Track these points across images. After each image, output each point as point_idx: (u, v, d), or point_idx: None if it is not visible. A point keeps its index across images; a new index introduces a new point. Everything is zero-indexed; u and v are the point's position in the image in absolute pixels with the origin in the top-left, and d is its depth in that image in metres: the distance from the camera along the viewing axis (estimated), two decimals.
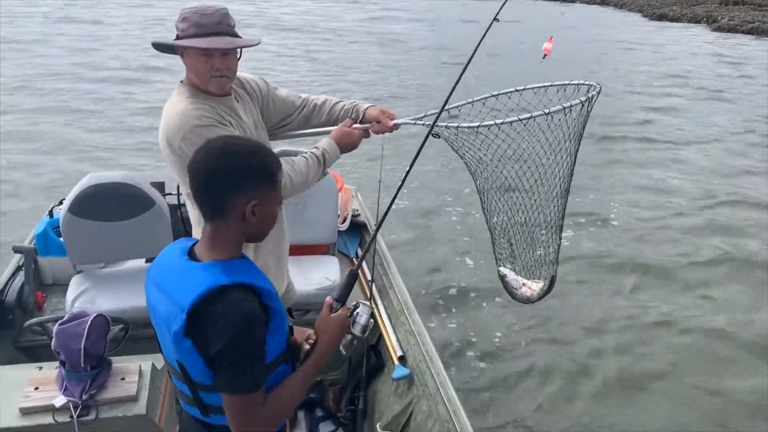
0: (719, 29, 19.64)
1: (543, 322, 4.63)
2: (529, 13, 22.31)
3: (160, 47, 2.15)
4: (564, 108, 1.85)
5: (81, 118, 9.34)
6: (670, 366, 4.28)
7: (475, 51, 2.24)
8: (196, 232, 2.18)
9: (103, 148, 7.98)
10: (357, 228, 4.00)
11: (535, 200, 2.09)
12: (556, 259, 2.15)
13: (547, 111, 1.84)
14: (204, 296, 1.35)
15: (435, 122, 2.05)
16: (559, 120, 1.87)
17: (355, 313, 1.67)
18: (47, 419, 2.03)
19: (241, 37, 2.10)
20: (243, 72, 2.34)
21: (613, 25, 20.25)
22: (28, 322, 2.59)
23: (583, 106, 1.88)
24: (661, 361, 4.34)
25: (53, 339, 2.11)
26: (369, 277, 3.25)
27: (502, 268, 2.29)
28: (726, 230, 6.48)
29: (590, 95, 1.92)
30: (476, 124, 1.92)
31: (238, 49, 2.10)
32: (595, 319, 4.78)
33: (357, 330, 1.66)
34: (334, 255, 3.59)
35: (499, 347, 4.35)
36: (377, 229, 2.00)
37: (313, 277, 3.21)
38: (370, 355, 3.01)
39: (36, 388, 2.13)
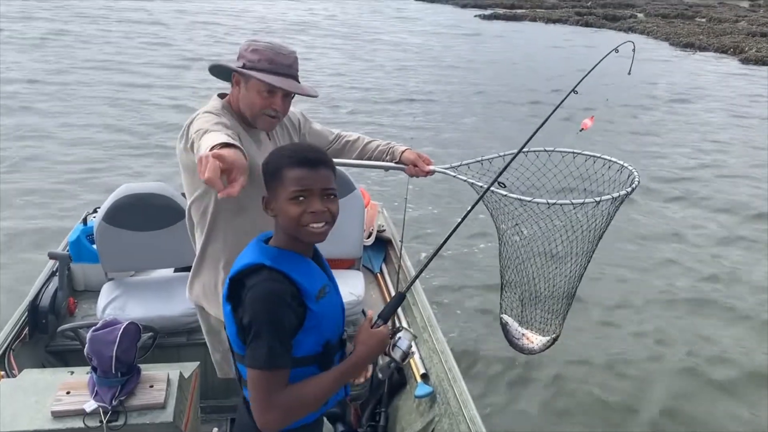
0: (746, 60, 19.50)
1: (570, 347, 4.59)
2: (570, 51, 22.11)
3: (218, 70, 2.12)
4: (613, 198, 1.92)
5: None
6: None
7: (545, 120, 2.25)
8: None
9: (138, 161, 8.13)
10: (382, 243, 4.02)
11: (554, 263, 2.12)
12: (563, 319, 2.17)
13: (597, 200, 1.91)
14: (244, 269, 1.49)
15: (487, 189, 2.05)
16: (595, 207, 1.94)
17: (396, 337, 1.68)
18: (78, 423, 2.07)
19: (301, 84, 2.10)
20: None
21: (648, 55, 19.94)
22: (61, 327, 2.65)
23: (628, 195, 1.96)
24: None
25: (86, 345, 2.15)
26: (393, 293, 3.27)
27: (504, 316, 2.30)
28: None
29: (631, 188, 1.97)
30: (528, 198, 1.95)
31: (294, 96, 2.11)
32: (622, 345, 4.73)
33: (397, 355, 1.68)
34: (359, 270, 3.61)
35: (525, 368, 4.32)
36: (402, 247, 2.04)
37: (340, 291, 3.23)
38: (393, 372, 3.02)
39: (68, 393, 2.16)
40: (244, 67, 2.02)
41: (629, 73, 2.95)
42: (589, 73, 2.36)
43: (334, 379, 1.56)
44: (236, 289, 1.50)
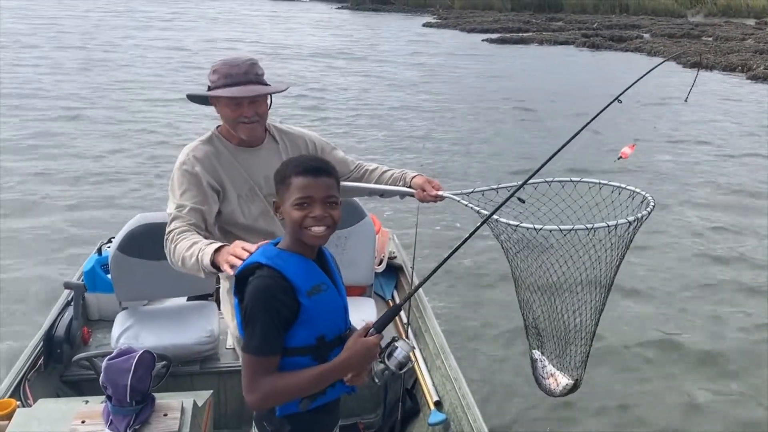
0: (754, 78, 19.52)
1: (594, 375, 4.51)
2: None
3: (195, 99, 2.33)
4: (630, 223, 1.89)
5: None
6: None
7: (578, 133, 2.15)
8: None
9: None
10: (393, 270, 4.03)
11: (572, 299, 2.07)
12: (585, 363, 2.12)
13: (613, 223, 1.87)
14: (247, 267, 1.70)
15: (491, 214, 1.99)
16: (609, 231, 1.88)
17: (392, 346, 1.72)
18: None
19: (269, 85, 2.25)
20: (309, 130, 2.53)
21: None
22: (76, 357, 2.67)
23: (631, 225, 1.91)
24: None
25: (101, 374, 2.16)
26: (405, 320, 3.27)
27: (535, 352, 2.24)
28: None
29: (642, 215, 1.92)
30: (539, 226, 1.89)
31: (269, 96, 2.26)
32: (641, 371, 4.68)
33: (392, 364, 1.71)
34: (370, 297, 3.62)
35: (542, 396, 4.25)
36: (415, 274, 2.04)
37: (350, 318, 3.23)
38: (406, 399, 3.01)
39: (83, 422, 2.17)
40: (209, 89, 2.21)
41: (686, 100, 2.83)
42: (633, 84, 2.28)
43: (316, 376, 1.69)
44: (241, 284, 1.69)
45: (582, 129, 2.15)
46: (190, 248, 2.05)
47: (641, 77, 2.31)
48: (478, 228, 1.98)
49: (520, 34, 31.00)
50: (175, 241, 2.13)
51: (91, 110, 12.48)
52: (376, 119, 12.89)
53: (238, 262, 1.77)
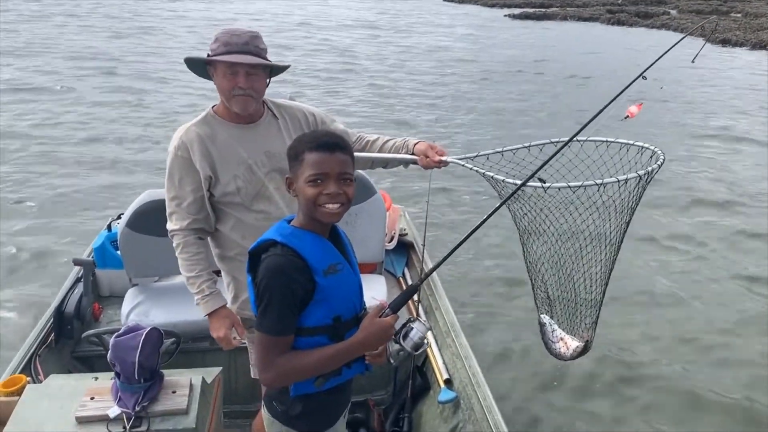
0: None
1: (598, 347, 4.48)
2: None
3: (192, 63, 2.26)
4: (640, 177, 1.82)
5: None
6: None
7: (604, 107, 2.11)
8: None
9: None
10: (404, 247, 3.99)
11: (581, 259, 2.02)
12: (595, 324, 2.07)
13: (623, 178, 1.81)
14: (260, 244, 1.65)
15: (519, 186, 1.91)
16: (619, 187, 1.83)
17: (408, 326, 1.70)
18: (101, 429, 2.08)
19: (268, 60, 2.20)
20: (306, 103, 2.47)
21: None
22: (86, 333, 2.68)
23: (641, 179, 1.85)
24: None
25: (109, 351, 2.16)
26: (416, 298, 3.23)
27: (543, 317, 2.20)
28: None
29: (652, 168, 1.85)
30: (547, 184, 1.84)
31: (268, 72, 2.22)
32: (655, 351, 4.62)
33: (408, 345, 1.69)
34: (381, 274, 3.59)
35: (550, 373, 4.24)
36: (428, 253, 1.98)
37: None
38: (416, 377, 2.99)
39: (92, 398, 2.18)
40: (208, 56, 2.16)
41: (693, 61, 2.91)
42: (659, 58, 2.25)
43: (330, 355, 1.66)
44: (254, 262, 1.65)
45: (606, 106, 2.11)
46: (190, 278, 2.29)
47: (664, 53, 2.27)
48: (498, 208, 1.91)
49: (544, 10, 30.48)
50: (179, 252, 2.30)
51: (114, 77, 12.74)
52: (407, 86, 13.39)
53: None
